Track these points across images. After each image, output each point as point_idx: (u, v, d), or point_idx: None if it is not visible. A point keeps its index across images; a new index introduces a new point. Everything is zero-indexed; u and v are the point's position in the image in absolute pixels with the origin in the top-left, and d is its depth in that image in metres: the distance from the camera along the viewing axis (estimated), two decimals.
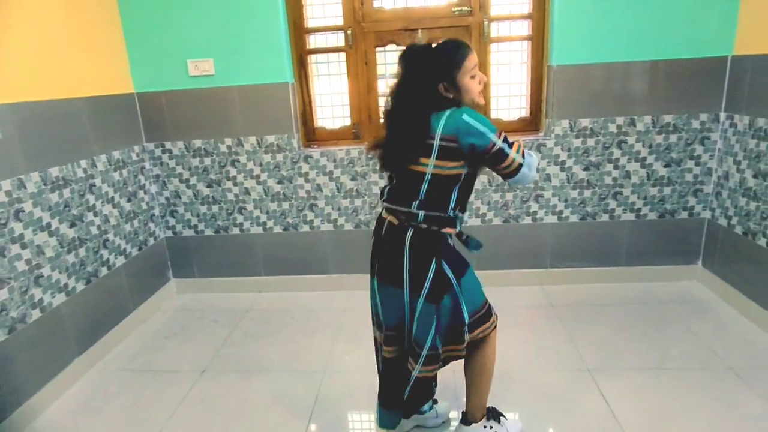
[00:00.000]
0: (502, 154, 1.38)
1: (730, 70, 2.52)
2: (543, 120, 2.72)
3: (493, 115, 2.80)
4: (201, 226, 2.96)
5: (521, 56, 2.73)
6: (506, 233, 2.84)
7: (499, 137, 1.38)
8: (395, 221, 1.49)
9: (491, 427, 1.68)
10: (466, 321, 1.49)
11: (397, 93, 1.47)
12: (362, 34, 2.70)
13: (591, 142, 2.67)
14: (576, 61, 2.57)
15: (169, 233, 3.00)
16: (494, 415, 1.71)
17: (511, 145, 1.39)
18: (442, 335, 1.51)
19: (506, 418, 1.73)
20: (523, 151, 1.41)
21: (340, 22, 2.71)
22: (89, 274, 2.38)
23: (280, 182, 2.84)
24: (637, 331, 2.38)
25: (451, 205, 1.46)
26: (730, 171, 2.55)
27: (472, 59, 1.44)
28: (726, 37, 2.49)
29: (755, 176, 2.36)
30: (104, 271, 2.48)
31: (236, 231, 2.95)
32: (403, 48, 1.50)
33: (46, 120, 2.14)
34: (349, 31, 2.70)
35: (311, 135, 2.88)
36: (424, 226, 1.45)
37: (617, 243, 2.83)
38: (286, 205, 2.88)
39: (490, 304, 1.60)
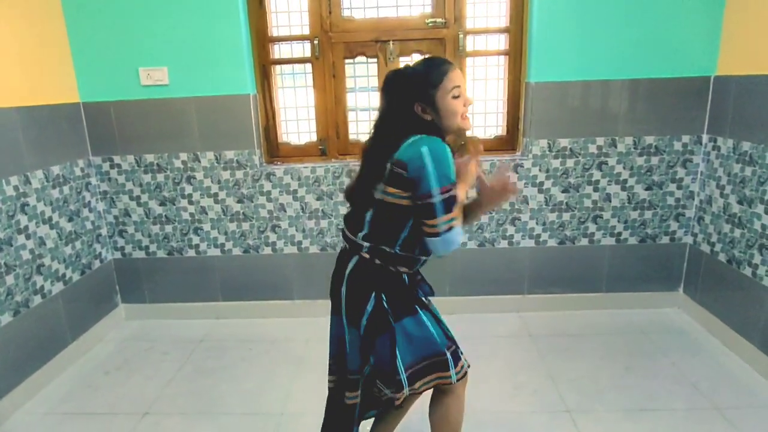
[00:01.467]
0: (431, 211, 1.21)
1: (713, 90, 2.42)
2: (520, 139, 2.58)
3: (467, 133, 2.64)
4: (153, 248, 2.72)
5: (498, 72, 2.59)
6: (481, 257, 2.68)
7: (443, 193, 1.20)
8: (346, 247, 1.37)
9: None
10: (399, 369, 1.31)
11: (376, 123, 1.34)
12: (330, 44, 2.52)
13: (570, 162, 2.54)
14: (555, 78, 2.44)
15: (118, 255, 2.75)
16: None
17: (446, 210, 1.21)
18: (374, 370, 1.37)
19: None
20: (451, 226, 1.23)
21: (306, 31, 2.54)
22: (18, 304, 2.12)
23: (240, 201, 2.63)
24: (620, 366, 2.24)
25: (399, 241, 1.30)
26: (713, 195, 2.44)
27: (454, 78, 1.28)
28: (709, 56, 2.40)
29: (740, 202, 2.25)
30: (37, 300, 2.23)
31: (192, 253, 2.72)
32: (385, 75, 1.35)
33: None
34: (316, 41, 2.52)
35: (274, 151, 2.68)
36: (367, 256, 1.31)
37: (597, 268, 2.69)
38: (246, 225, 2.67)
39: (456, 351, 1.40)
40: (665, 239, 2.64)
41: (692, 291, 2.63)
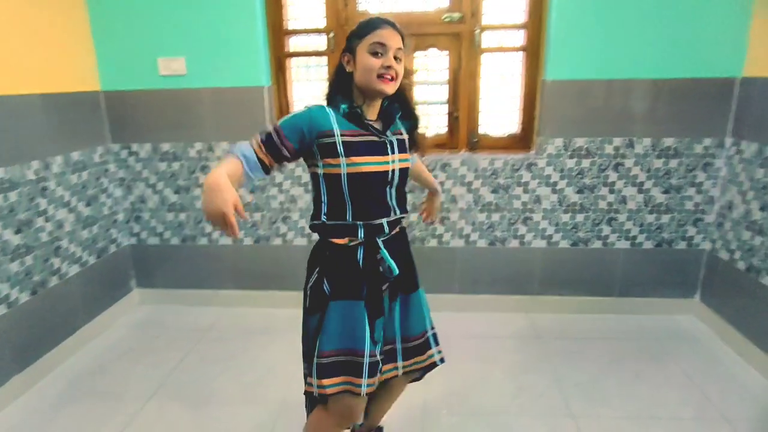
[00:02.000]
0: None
1: (739, 92, 2.34)
2: (535, 137, 2.54)
3: (482, 130, 2.61)
4: (167, 234, 2.78)
5: (514, 68, 2.55)
6: (492, 256, 2.65)
7: (272, 129, 1.23)
8: None
9: None
10: (314, 353, 1.30)
11: None
12: (345, 38, 2.51)
13: (586, 163, 2.49)
14: (573, 76, 2.39)
15: (133, 240, 2.81)
16: None
17: (264, 137, 1.23)
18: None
19: None
20: (254, 142, 1.22)
21: (322, 24, 2.54)
22: (35, 284, 2.19)
23: (251, 192, 2.66)
24: (629, 372, 2.19)
25: (324, 209, 1.30)
26: (734, 201, 2.36)
27: (381, 35, 1.22)
28: (735, 57, 2.32)
29: (762, 209, 2.17)
30: (54, 281, 2.29)
31: (204, 241, 2.76)
32: None
33: None
34: (331, 35, 2.53)
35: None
36: (314, 234, 1.36)
37: (610, 272, 2.64)
38: (257, 215, 2.70)
39: (375, 364, 1.30)
40: (682, 244, 2.57)
41: (708, 299, 2.55)
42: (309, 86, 2.69)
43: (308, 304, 1.35)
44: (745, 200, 2.29)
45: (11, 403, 2.03)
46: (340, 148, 1.23)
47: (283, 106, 2.65)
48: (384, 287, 1.34)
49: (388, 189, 1.30)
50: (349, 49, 1.28)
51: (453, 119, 2.60)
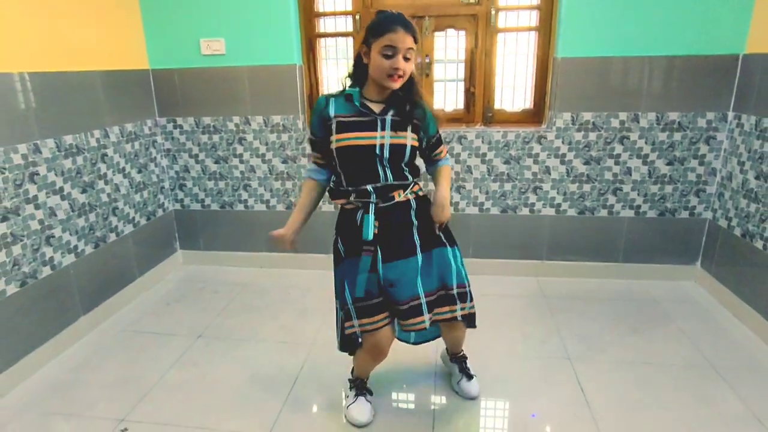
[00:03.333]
0: None
1: (741, 68, 2.47)
2: (546, 112, 2.72)
3: (497, 105, 2.81)
4: (208, 201, 3.07)
5: (528, 47, 2.73)
6: (504, 223, 2.87)
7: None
8: None
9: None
10: (348, 300, 1.59)
11: None
12: (370, 19, 2.73)
13: (593, 136, 2.67)
14: (581, 54, 2.56)
15: (178, 206, 3.12)
16: (460, 364, 1.92)
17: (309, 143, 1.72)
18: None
19: (468, 378, 1.90)
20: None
21: (349, 6, 2.76)
22: (98, 238, 2.50)
23: (284, 161, 2.93)
24: (626, 327, 2.39)
25: (334, 177, 1.63)
26: (733, 172, 2.51)
27: (392, 39, 1.41)
28: (739, 34, 2.44)
29: (757, 177, 2.32)
30: (112, 237, 2.61)
31: (241, 207, 3.05)
32: None
33: (62, 90, 2.26)
34: (357, 17, 2.74)
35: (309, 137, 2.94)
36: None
37: (615, 239, 2.82)
38: (289, 184, 2.96)
39: (348, 310, 1.61)
40: (684, 214, 2.73)
41: (709, 265, 2.71)
42: (336, 65, 2.91)
43: (334, 261, 1.68)
44: (743, 170, 2.44)
45: (79, 339, 2.36)
46: (334, 127, 1.53)
47: (312, 83, 2.90)
48: (369, 247, 1.54)
49: (377, 160, 1.53)
50: (366, 42, 1.49)
51: (470, 95, 2.80)
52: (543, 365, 2.11)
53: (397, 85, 1.48)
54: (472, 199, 2.85)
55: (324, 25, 2.84)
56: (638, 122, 2.61)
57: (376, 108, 1.54)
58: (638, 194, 2.73)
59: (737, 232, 2.47)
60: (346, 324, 1.63)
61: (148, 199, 2.89)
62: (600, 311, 2.54)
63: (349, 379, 1.88)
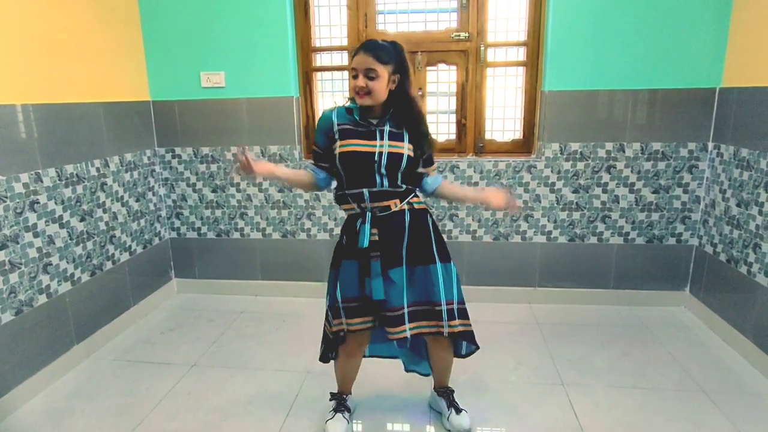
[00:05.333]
0: None
1: (718, 101, 2.59)
2: (535, 142, 2.82)
3: (488, 136, 2.91)
4: (204, 229, 3.11)
5: (516, 81, 2.85)
6: (496, 250, 2.92)
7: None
8: None
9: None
10: (339, 298, 1.69)
11: None
12: None
13: (581, 165, 2.76)
14: (568, 87, 2.67)
15: (174, 234, 3.15)
16: (448, 398, 1.93)
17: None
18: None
19: (456, 412, 1.87)
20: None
21: (345, 42, 2.87)
22: (94, 266, 2.52)
23: (280, 191, 2.98)
24: (618, 352, 2.42)
25: (337, 183, 1.74)
26: (716, 199, 2.60)
27: (356, 61, 1.58)
28: (715, 69, 2.58)
29: (738, 205, 2.41)
30: (109, 265, 2.63)
31: (237, 235, 3.09)
32: None
33: (64, 121, 2.32)
34: (352, 52, 2.85)
35: (312, 148, 3.01)
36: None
37: (605, 266, 2.88)
38: (285, 212, 3.01)
39: (337, 309, 1.71)
40: (672, 240, 2.80)
41: (697, 291, 2.77)
42: (331, 98, 3.01)
43: (332, 261, 1.77)
44: (724, 198, 2.52)
45: (73, 368, 2.34)
46: (337, 135, 1.65)
47: (309, 115, 2.98)
48: (372, 254, 1.63)
49: (376, 166, 1.62)
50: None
51: (461, 126, 2.90)
52: (537, 391, 2.12)
53: (363, 101, 1.60)
54: (465, 226, 2.91)
55: (320, 59, 2.95)
56: (624, 152, 2.71)
57: (374, 121, 1.66)
58: (626, 221, 2.81)
59: (722, 258, 2.53)
60: (335, 321, 1.73)
61: (144, 228, 2.92)
62: (591, 336, 2.57)
63: (330, 393, 1.96)
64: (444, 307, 1.68)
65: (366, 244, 1.62)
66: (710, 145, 2.66)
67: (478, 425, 1.91)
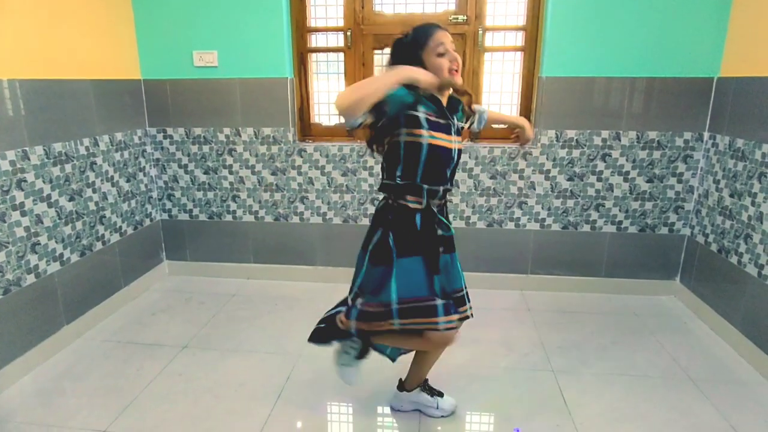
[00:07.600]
0: None
1: (716, 91, 2.58)
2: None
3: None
4: (196, 211, 3.08)
5: (514, 66, 2.82)
6: (490, 237, 2.92)
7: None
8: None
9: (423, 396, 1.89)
10: (392, 299, 1.53)
11: None
12: (361, 36, 2.80)
13: (576, 153, 2.75)
14: (565, 74, 2.65)
15: (165, 216, 3.11)
16: (428, 389, 1.90)
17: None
18: (363, 295, 1.62)
19: (440, 396, 1.89)
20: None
21: (341, 23, 2.82)
22: (84, 247, 2.49)
23: (273, 173, 2.95)
24: (607, 340, 2.44)
25: (399, 171, 1.52)
26: (709, 189, 2.61)
27: (437, 37, 1.48)
28: (713, 58, 2.56)
29: (731, 195, 2.41)
30: (99, 245, 2.60)
31: (229, 218, 3.06)
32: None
33: (53, 98, 2.26)
34: (348, 33, 2.81)
35: (307, 130, 2.98)
36: (384, 196, 1.60)
37: (598, 254, 2.89)
38: (278, 195, 2.98)
39: (448, 305, 1.57)
40: (664, 230, 2.81)
41: (688, 281, 2.79)
42: (327, 79, 2.97)
43: (372, 258, 1.58)
44: (718, 188, 2.53)
45: (63, 348, 2.33)
46: (425, 123, 1.48)
47: (303, 97, 2.94)
48: (441, 248, 1.58)
49: (450, 163, 1.57)
50: (415, 59, 1.48)
51: None
52: (527, 378, 2.14)
53: (459, 79, 1.51)
54: (459, 212, 2.90)
55: (316, 40, 2.89)
56: (619, 140, 2.70)
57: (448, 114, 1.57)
58: (620, 210, 2.81)
59: (714, 248, 2.55)
60: (381, 323, 1.57)
61: (135, 209, 2.89)
62: (581, 324, 2.59)
63: (352, 338, 1.75)
64: (465, 291, 1.73)
65: (452, 231, 1.62)
66: (706, 135, 2.65)
67: (468, 410, 1.93)
